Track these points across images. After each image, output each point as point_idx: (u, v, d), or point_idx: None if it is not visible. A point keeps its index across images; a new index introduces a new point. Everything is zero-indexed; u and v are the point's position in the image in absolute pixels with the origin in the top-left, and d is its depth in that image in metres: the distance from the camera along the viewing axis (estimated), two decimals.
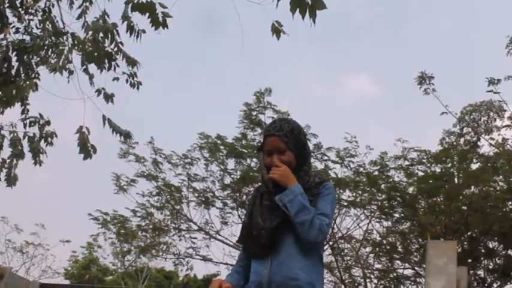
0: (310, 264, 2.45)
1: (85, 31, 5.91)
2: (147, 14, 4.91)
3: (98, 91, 6.05)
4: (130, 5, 4.82)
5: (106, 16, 5.40)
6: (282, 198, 2.42)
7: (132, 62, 5.94)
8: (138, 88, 6.19)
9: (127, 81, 6.11)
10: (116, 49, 5.64)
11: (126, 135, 5.92)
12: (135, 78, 6.15)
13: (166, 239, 14.59)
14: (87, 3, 6.03)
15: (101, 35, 5.35)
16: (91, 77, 6.00)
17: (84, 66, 5.93)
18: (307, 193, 2.49)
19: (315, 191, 2.51)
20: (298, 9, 3.76)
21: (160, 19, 4.94)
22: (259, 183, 2.76)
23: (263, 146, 2.60)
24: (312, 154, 2.93)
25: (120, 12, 5.14)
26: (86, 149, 5.66)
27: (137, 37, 5.28)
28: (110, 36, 5.40)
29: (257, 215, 2.55)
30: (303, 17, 3.76)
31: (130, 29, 5.24)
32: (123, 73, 6.04)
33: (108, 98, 6.09)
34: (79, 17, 6.01)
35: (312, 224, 2.39)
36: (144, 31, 5.28)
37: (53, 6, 6.35)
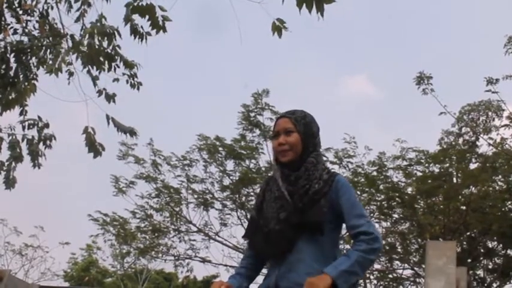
0: (321, 269, 2.26)
1: (83, 34, 5.90)
2: (147, 17, 4.89)
3: (99, 92, 6.06)
4: (130, 8, 4.80)
5: (104, 19, 5.39)
6: (345, 286, 2.22)
7: (129, 65, 5.95)
8: (138, 89, 6.20)
9: (127, 81, 6.11)
10: (113, 52, 5.64)
11: (131, 132, 5.95)
12: (135, 79, 6.16)
13: (166, 240, 14.62)
14: (85, 6, 6.03)
15: (99, 37, 5.34)
16: (95, 78, 6.00)
17: (87, 68, 5.93)
18: (317, 194, 2.34)
19: (326, 189, 2.36)
20: (304, 4, 3.65)
21: (160, 22, 4.92)
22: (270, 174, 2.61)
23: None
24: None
25: (119, 14, 5.13)
26: (94, 147, 5.71)
27: (141, 39, 5.25)
28: (108, 38, 5.39)
29: (267, 211, 2.43)
30: (310, 11, 3.65)
31: (134, 31, 5.21)
32: (123, 74, 6.05)
33: (110, 98, 6.10)
34: (77, 19, 6.00)
35: (369, 255, 2.27)
36: (149, 33, 5.23)
37: (52, 8, 6.34)
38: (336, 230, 2.41)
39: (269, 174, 13.33)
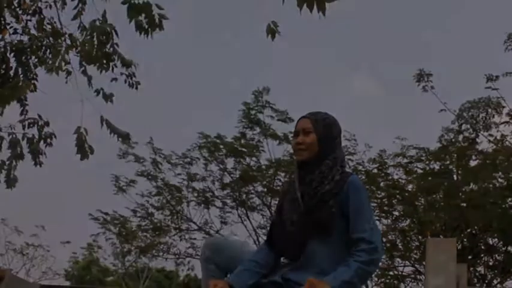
0: (330, 271, 2.26)
1: (81, 32, 5.88)
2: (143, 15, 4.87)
3: (97, 91, 6.05)
4: (127, 5, 4.78)
5: (105, 17, 5.37)
6: None
7: (127, 63, 5.93)
8: (136, 88, 6.18)
9: (125, 81, 6.10)
10: (112, 50, 5.62)
11: (125, 137, 5.89)
12: (133, 78, 6.15)
13: (167, 239, 14.64)
14: (82, 4, 6.00)
15: (99, 36, 5.33)
16: (89, 78, 5.99)
17: (83, 68, 5.92)
18: (326, 195, 2.34)
19: (336, 190, 2.35)
20: (305, 4, 3.64)
21: (157, 21, 4.90)
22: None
23: None
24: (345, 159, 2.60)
25: (116, 11, 5.10)
26: (83, 149, 5.64)
27: (147, 35, 5.20)
28: (106, 37, 5.37)
29: (285, 213, 2.46)
30: (311, 11, 3.64)
31: (139, 27, 5.17)
32: (121, 74, 6.04)
33: (107, 98, 6.09)
34: (75, 17, 5.98)
35: (368, 266, 2.26)
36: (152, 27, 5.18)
37: (50, 7, 6.34)
38: (348, 232, 2.35)
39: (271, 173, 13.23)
